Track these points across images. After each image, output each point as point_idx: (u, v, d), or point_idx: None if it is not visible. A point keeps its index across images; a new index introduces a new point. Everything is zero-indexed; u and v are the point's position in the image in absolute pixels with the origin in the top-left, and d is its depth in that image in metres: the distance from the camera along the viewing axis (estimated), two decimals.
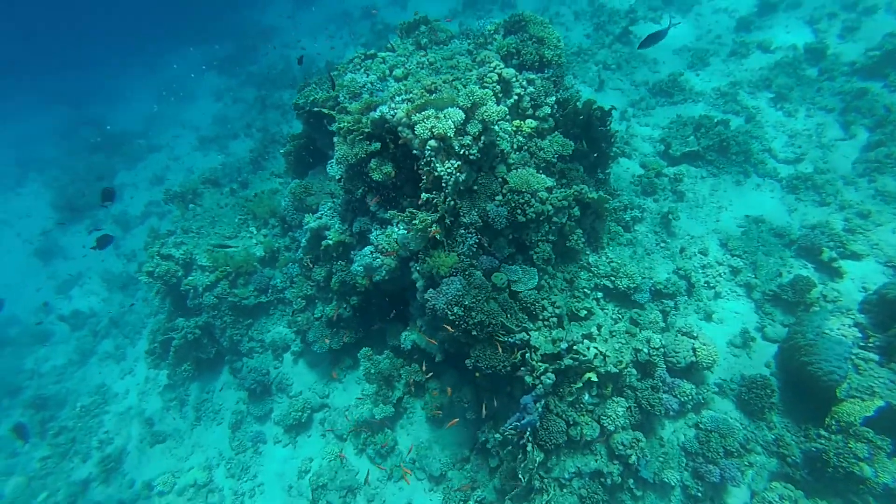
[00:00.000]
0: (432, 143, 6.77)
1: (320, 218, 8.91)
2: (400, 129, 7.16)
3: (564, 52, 8.99)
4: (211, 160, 18.89)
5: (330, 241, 8.61)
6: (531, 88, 8.13)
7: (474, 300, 6.93)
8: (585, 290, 8.31)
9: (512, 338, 6.97)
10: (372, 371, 8.84)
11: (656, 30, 9.40)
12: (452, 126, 6.76)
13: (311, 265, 9.26)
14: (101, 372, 12.96)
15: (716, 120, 10.68)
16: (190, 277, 10.09)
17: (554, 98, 8.28)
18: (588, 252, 8.63)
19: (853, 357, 6.58)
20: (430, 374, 8.56)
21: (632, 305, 8.42)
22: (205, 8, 33.22)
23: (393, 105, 7.19)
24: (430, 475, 8.23)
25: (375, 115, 7.24)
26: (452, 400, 8.40)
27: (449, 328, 6.83)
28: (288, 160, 10.61)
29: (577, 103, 8.23)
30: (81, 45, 36.10)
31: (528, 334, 7.01)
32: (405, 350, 8.63)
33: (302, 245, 9.19)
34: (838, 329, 6.78)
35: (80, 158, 22.52)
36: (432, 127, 6.71)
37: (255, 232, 11.07)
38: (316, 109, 9.25)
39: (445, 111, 6.90)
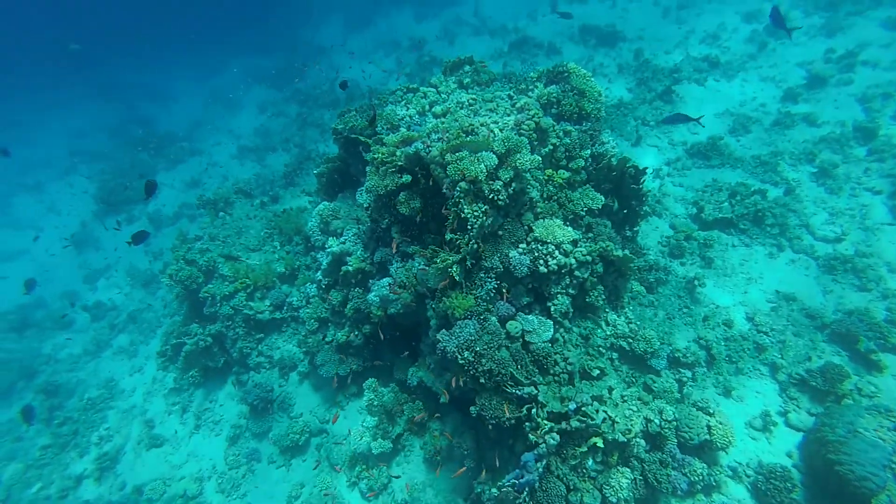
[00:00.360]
0: (463, 184, 6.80)
1: (343, 243, 8.99)
2: (432, 166, 7.23)
3: (604, 105, 9.04)
4: (247, 170, 19.47)
5: (350, 268, 8.65)
6: (567, 140, 8.15)
7: (486, 347, 6.80)
8: (601, 348, 8.06)
9: (520, 390, 6.77)
10: (375, 403, 8.70)
11: (686, 115, 9.57)
12: (484, 170, 6.79)
13: (328, 288, 9.31)
14: (113, 366, 13.14)
15: (752, 189, 10.47)
16: (210, 285, 10.24)
17: (589, 151, 8.27)
18: (608, 310, 8.42)
19: (893, 466, 6.10)
20: (436, 415, 8.36)
21: (647, 370, 8.13)
22: (260, 23, 34.92)
23: (428, 142, 7.29)
24: None
25: (410, 150, 7.34)
26: (452, 445, 8.17)
27: (453, 381, 6.73)
28: (320, 181, 10.82)
29: (612, 159, 8.20)
30: (142, 47, 38.26)
31: (536, 389, 6.81)
32: (411, 386, 8.50)
33: (322, 267, 9.26)
34: (875, 430, 6.34)
35: (126, 155, 23.54)
36: (464, 169, 6.75)
37: (279, 247, 11.23)
38: (353, 136, 9.45)
39: (479, 154, 6.95)
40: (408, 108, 9.31)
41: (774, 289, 9.19)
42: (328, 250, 8.98)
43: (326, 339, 9.38)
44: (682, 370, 8.18)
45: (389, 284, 7.92)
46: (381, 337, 8.41)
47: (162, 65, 34.57)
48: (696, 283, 9.22)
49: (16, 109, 32.10)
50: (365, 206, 8.40)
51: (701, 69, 14.26)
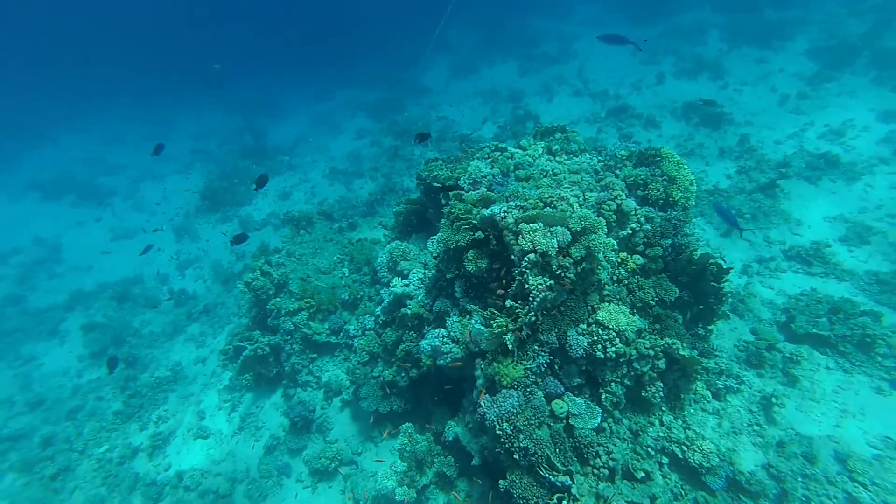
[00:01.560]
0: (532, 256, 6.81)
1: (407, 285, 9.25)
2: (505, 232, 7.32)
3: (697, 190, 8.69)
4: (334, 191, 20.85)
5: (409, 311, 8.86)
6: (648, 226, 7.91)
7: (526, 423, 6.60)
8: (650, 449, 7.49)
9: (554, 476, 6.44)
10: (408, 449, 8.67)
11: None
12: (556, 245, 6.76)
13: (385, 325, 9.57)
14: (182, 351, 14.30)
15: (862, 308, 9.38)
16: (277, 299, 10.95)
17: (670, 241, 7.95)
18: (664, 409, 7.85)
19: None
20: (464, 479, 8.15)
21: (700, 487, 7.37)
22: (372, 59, 37.92)
23: (506, 208, 7.41)
24: None
25: (486, 212, 7.50)
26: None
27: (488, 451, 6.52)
28: (397, 219, 11.31)
29: (693, 253, 7.81)
30: (264, 66, 43.02)
31: (572, 480, 6.44)
32: (446, 440, 8.38)
33: (383, 304, 9.57)
34: None
35: (233, 160, 26.22)
36: (536, 241, 6.77)
37: (347, 274, 11.79)
38: (436, 185, 9.84)
39: (554, 228, 6.95)
40: (492, 167, 9.56)
41: (883, 433, 7.95)
42: (391, 289, 9.28)
43: (373, 374, 9.58)
44: (744, 498, 7.32)
45: (443, 336, 7.99)
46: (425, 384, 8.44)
47: (279, 84, 38.64)
48: (773, 400, 8.33)
49: (166, 111, 37.34)
50: (434, 254, 8.64)
51: (816, 166, 13.22)
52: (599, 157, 9.84)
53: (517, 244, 6.96)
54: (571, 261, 6.89)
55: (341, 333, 10.90)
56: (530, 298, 6.88)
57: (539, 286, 6.78)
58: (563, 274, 6.85)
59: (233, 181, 22.98)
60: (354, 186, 21.10)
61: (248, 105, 34.53)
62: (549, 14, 35.01)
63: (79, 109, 40.68)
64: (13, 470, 11.38)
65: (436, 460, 8.62)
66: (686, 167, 8.60)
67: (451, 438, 8.28)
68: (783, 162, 13.39)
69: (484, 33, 34.78)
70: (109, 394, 13.40)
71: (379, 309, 9.79)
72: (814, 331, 9.24)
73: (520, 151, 10.20)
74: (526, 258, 6.84)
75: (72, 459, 11.14)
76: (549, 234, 6.88)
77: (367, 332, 10.04)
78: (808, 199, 12.49)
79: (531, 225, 6.97)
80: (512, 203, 7.63)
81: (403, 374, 9.10)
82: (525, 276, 6.90)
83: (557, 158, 9.98)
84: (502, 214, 7.32)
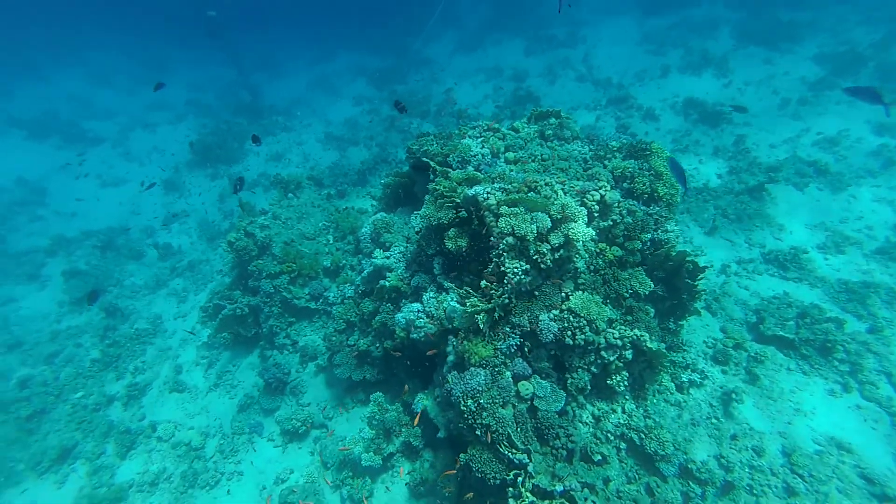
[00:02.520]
0: (510, 239, 6.88)
1: (388, 258, 9.31)
2: (486, 213, 7.36)
3: (680, 190, 8.75)
4: (328, 157, 20.63)
5: (387, 283, 8.94)
6: (629, 219, 7.99)
7: (490, 401, 6.80)
8: (610, 434, 7.77)
9: (513, 454, 6.68)
10: (377, 418, 8.89)
11: None
12: (535, 231, 6.83)
13: (364, 295, 9.67)
14: (164, 305, 14.34)
15: (828, 315, 9.65)
16: (260, 261, 10.96)
17: (650, 236, 8.05)
18: (628, 398, 8.10)
19: None
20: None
21: (654, 472, 7.70)
22: (378, 26, 36.81)
23: (489, 189, 7.43)
24: None
25: (469, 192, 7.52)
26: (438, 482, 8.18)
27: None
28: (385, 191, 11.28)
29: (671, 250, 7.92)
30: (265, 19, 41.57)
31: (529, 458, 6.68)
32: (415, 411, 8.61)
33: (362, 275, 9.64)
34: None
35: (227, 116, 25.70)
36: (515, 225, 6.83)
37: (332, 241, 11.80)
38: (424, 160, 9.79)
39: (535, 214, 7.00)
40: (483, 147, 9.52)
41: (827, 432, 8.34)
42: (372, 260, 9.34)
43: (349, 342, 9.72)
44: (693, 485, 7.67)
45: (417, 311, 8.11)
46: (398, 356, 8.61)
47: (280, 40, 37.50)
48: (733, 396, 8.63)
49: (163, 56, 36.10)
50: (416, 229, 8.68)
51: (804, 173, 13.32)
52: (591, 146, 9.84)
53: (497, 226, 7.02)
54: (549, 247, 6.98)
55: (321, 300, 10.99)
56: (505, 281, 6.99)
57: (515, 269, 6.88)
58: (539, 259, 6.94)
59: (226, 137, 22.60)
60: (349, 153, 20.87)
61: (246, 58, 33.62)
62: None
63: (72, 41, 39.10)
64: None
65: (403, 430, 8.87)
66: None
67: (419, 410, 8.51)
68: (774, 166, 13.45)
69: (495, 9, 33.89)
70: (88, 341, 13.46)
71: (359, 279, 9.86)
72: (780, 333, 9.51)
73: (512, 133, 10.15)
74: (504, 241, 6.91)
75: (47, 402, 11.27)
76: (529, 219, 6.93)
77: (345, 301, 10.14)
78: (794, 205, 12.63)
79: (512, 209, 7.02)
80: (496, 185, 7.65)
81: (378, 346, 9.26)
82: (502, 258, 6.99)
83: (549, 144, 9.95)
84: (485, 195, 7.35)
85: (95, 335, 13.59)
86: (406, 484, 8.67)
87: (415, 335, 8.32)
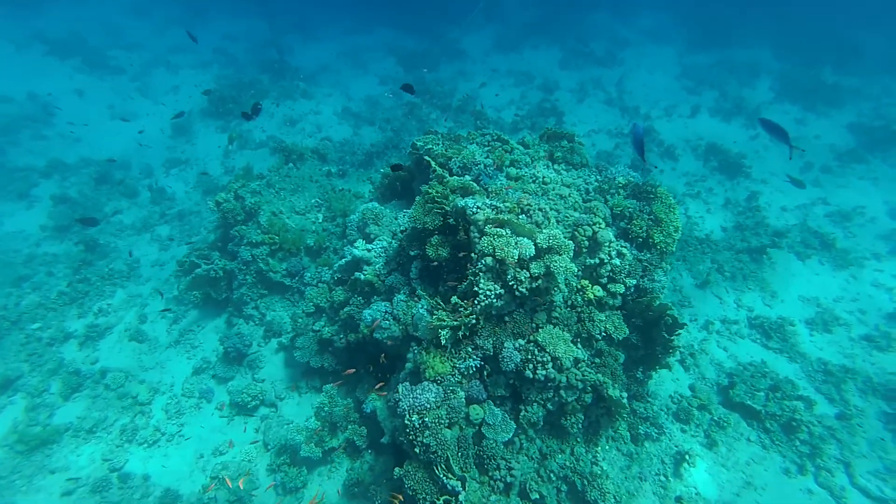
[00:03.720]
0: (489, 260, 6.63)
1: (369, 251, 9.07)
2: (472, 228, 7.11)
3: (689, 236, 8.47)
4: (340, 132, 20.30)
5: (362, 277, 8.71)
6: (617, 261, 7.71)
7: (436, 420, 6.58)
8: (553, 473, 7.57)
9: (448, 479, 6.48)
10: (325, 409, 8.72)
11: None
12: (516, 257, 6.57)
13: (339, 283, 9.45)
14: (145, 250, 14.12)
15: (799, 392, 9.42)
16: (244, 227, 10.73)
17: (635, 282, 7.79)
18: (579, 440, 7.89)
19: None
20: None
21: None
22: (419, 7, 35.86)
23: (480, 204, 7.16)
24: None
25: (460, 203, 7.26)
26: (371, 486, 8.00)
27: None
28: (383, 181, 11.01)
29: (654, 300, 7.66)
30: None
31: (463, 487, 6.48)
32: (365, 411, 8.42)
33: (340, 262, 9.40)
34: None
35: (251, 72, 25.35)
36: (497, 247, 6.57)
37: (320, 220, 11.55)
38: (427, 159, 9.51)
39: (520, 240, 6.74)
40: (487, 157, 9.23)
41: None
42: (353, 250, 9.09)
43: (314, 328, 9.51)
44: None
45: (384, 312, 7.88)
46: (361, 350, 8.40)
47: (319, 3, 36.81)
48: (687, 457, 8.43)
49: (202, 2, 35.39)
50: (402, 228, 8.42)
51: (810, 244, 12.99)
52: (598, 177, 9.54)
53: (479, 244, 6.77)
54: (528, 275, 6.72)
55: (297, 278, 10.77)
56: (476, 301, 6.74)
57: (488, 292, 6.63)
58: (515, 286, 6.69)
59: (244, 93, 22.25)
60: (362, 132, 20.54)
61: (281, 17, 33.12)
62: (613, 10, 33.49)
63: None
64: None
65: (350, 427, 8.69)
66: (676, 213, 8.35)
67: (368, 411, 8.31)
68: (781, 231, 13.12)
69: (541, 12, 33.26)
70: (61, 272, 13.25)
71: (336, 265, 9.63)
72: (748, 402, 9.28)
73: (521, 148, 9.85)
74: (483, 260, 6.66)
75: (2, 328, 11.08)
76: (513, 243, 6.67)
77: (320, 284, 9.91)
78: (792, 273, 12.34)
79: (498, 229, 6.76)
80: (489, 201, 7.38)
81: (342, 337, 9.05)
82: (478, 278, 6.74)
83: (556, 166, 9.66)
84: (474, 209, 7.08)
85: (69, 267, 13.38)
86: (343, 483, 8.50)
87: (378, 335, 8.11)
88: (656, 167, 10.54)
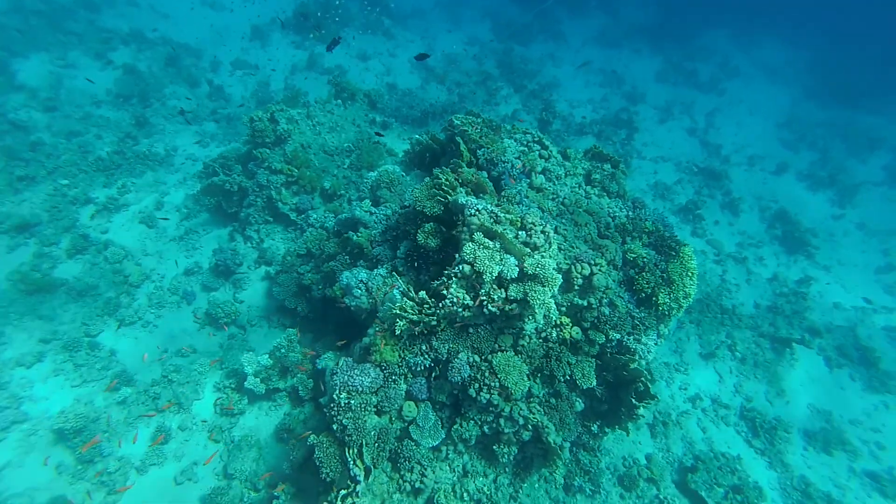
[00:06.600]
0: (466, 268, 6.24)
1: (371, 214, 8.84)
2: (464, 229, 6.69)
3: (707, 301, 7.76)
4: (408, 81, 19.80)
5: (354, 237, 8.52)
6: (606, 311, 7.13)
7: (361, 405, 6.47)
8: (467, 493, 7.38)
9: (354, 465, 6.41)
10: (281, 352, 8.80)
11: None
12: (495, 273, 6.15)
13: (336, 234, 9.33)
14: (186, 141, 14.49)
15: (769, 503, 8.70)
16: (267, 150, 10.69)
17: (619, 337, 7.20)
18: (508, 470, 7.62)
19: None
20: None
21: None
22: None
23: (479, 207, 6.70)
24: (228, 472, 8.08)
25: (462, 200, 6.82)
26: (297, 440, 8.12)
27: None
28: (414, 148, 10.58)
29: (631, 363, 7.07)
30: None
31: (366, 478, 6.39)
32: (317, 367, 8.45)
33: (339, 217, 9.24)
34: None
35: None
36: (479, 258, 6.16)
37: (345, 166, 11.36)
38: (458, 139, 9.01)
39: (506, 258, 6.29)
40: (519, 159, 8.62)
41: None
42: (354, 208, 8.88)
43: (299, 269, 9.51)
44: None
45: (359, 283, 7.71)
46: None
47: None
48: None
49: None
50: (405, 203, 8.10)
51: (846, 353, 11.69)
52: (630, 213, 8.76)
53: (463, 248, 6.36)
54: (501, 297, 6.30)
55: (303, 215, 10.74)
56: (441, 305, 6.42)
57: (454, 299, 6.28)
58: (485, 303, 6.30)
59: (329, 15, 21.96)
60: (429, 88, 19.95)
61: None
62: (735, 32, 30.38)
63: None
64: None
65: (300, 376, 8.77)
66: (693, 279, 7.55)
67: (320, 367, 8.33)
68: (818, 329, 11.83)
69: (655, 15, 30.60)
70: (108, 138, 13.84)
71: (338, 217, 9.47)
72: (702, 493, 8.66)
73: (559, 157, 9.15)
74: (460, 266, 6.28)
75: (38, 174, 11.75)
76: (497, 258, 6.23)
77: (318, 231, 9.83)
78: (812, 378, 11.19)
79: (487, 240, 6.31)
80: (492, 207, 6.89)
81: (321, 288, 9.00)
82: (451, 281, 6.38)
83: (589, 188, 8.93)
84: (472, 211, 6.64)
85: (116, 136, 13.94)
86: (276, 424, 8.68)
87: (348, 301, 7.98)
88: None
